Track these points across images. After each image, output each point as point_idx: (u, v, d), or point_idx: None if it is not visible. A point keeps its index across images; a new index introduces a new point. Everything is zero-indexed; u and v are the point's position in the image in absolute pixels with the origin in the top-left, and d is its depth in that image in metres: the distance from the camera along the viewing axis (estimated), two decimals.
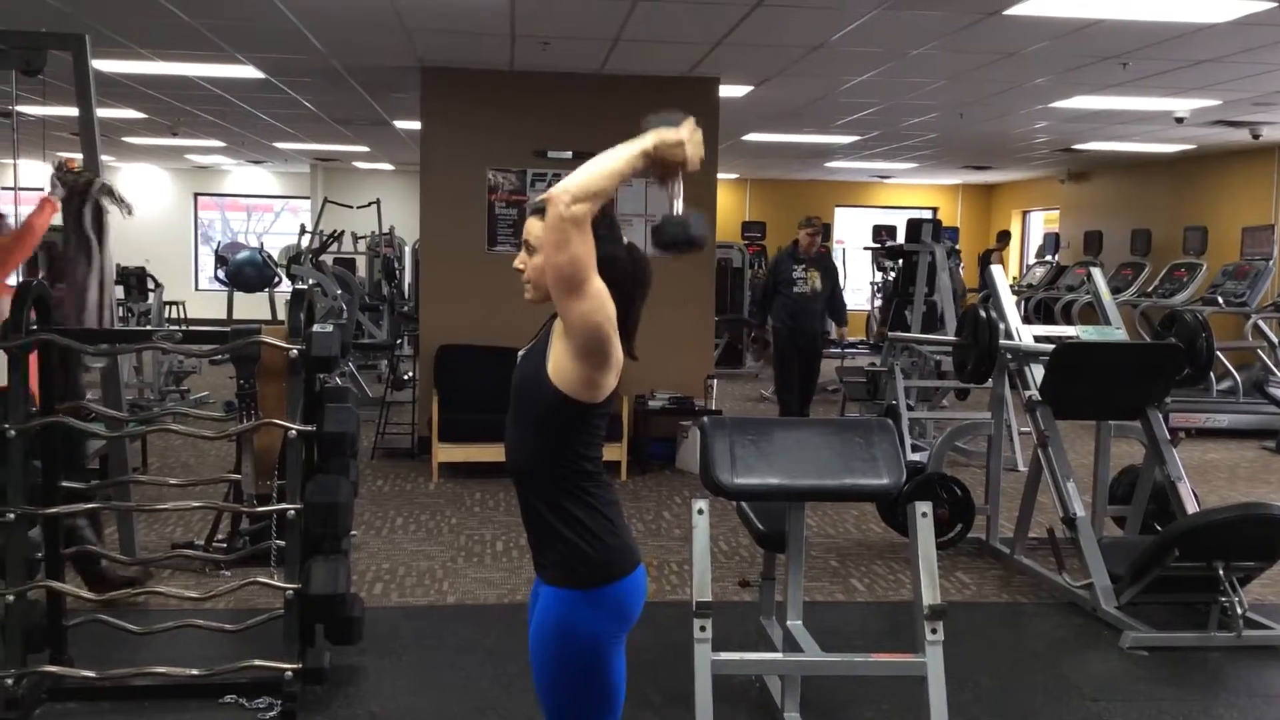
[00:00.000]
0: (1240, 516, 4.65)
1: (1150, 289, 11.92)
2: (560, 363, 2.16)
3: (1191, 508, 5.20)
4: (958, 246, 15.33)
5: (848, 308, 9.55)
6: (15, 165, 5.63)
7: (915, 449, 8.05)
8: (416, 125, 8.76)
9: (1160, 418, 5.45)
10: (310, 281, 10.28)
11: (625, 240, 2.25)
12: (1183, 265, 11.73)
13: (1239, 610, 4.54)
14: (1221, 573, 4.54)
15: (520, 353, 2.33)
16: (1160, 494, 5.52)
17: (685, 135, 2.13)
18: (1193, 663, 4.53)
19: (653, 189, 7.98)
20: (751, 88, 8.62)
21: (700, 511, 3.34)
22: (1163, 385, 5.45)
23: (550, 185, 7.59)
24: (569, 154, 8.16)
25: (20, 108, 5.69)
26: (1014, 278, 16.21)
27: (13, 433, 3.65)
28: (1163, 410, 5.48)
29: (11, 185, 6.02)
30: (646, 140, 2.12)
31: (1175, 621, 4.88)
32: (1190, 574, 4.61)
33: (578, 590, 2.21)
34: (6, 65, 5.07)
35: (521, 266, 2.25)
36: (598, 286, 2.08)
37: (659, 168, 2.15)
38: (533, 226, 2.23)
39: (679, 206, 2.18)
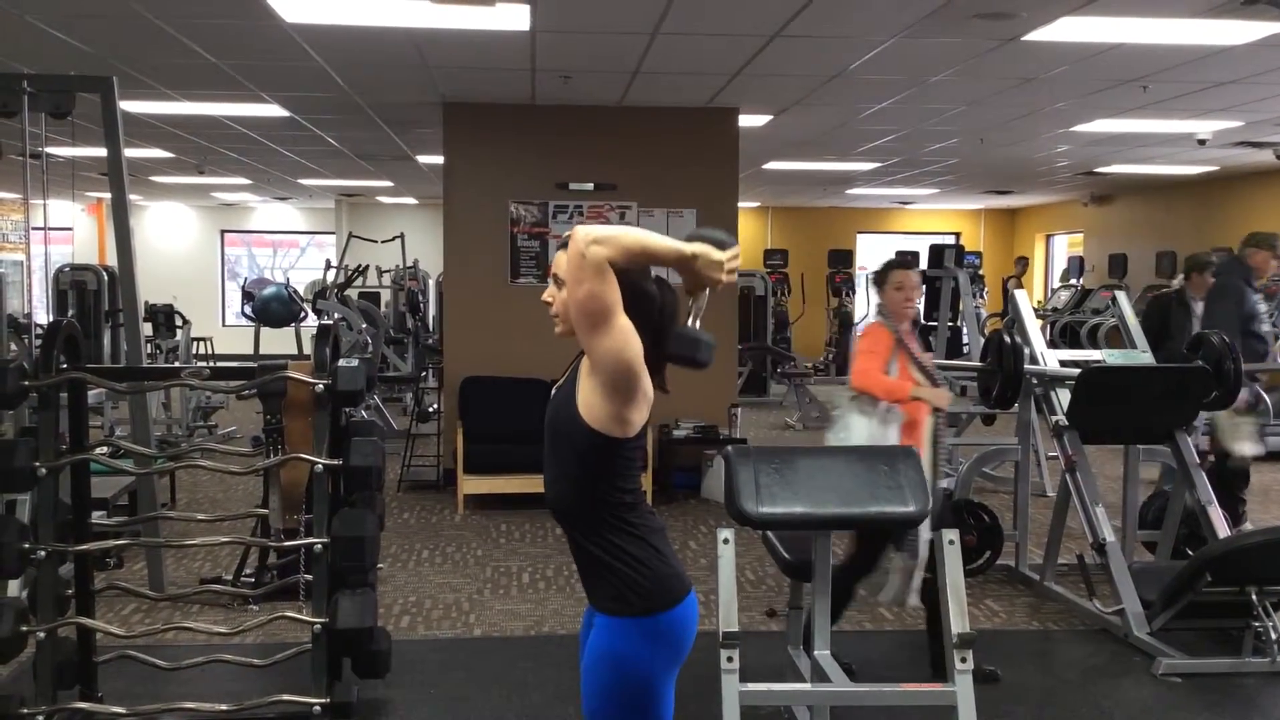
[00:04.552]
0: (1273, 540, 4.60)
1: None
2: (589, 400, 2.16)
3: (1223, 532, 5.15)
4: (981, 271, 15.34)
5: None
6: (45, 206, 5.72)
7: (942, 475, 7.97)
8: (439, 160, 8.83)
9: (1189, 441, 5.40)
10: (335, 316, 10.37)
11: (654, 275, 2.26)
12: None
13: (1273, 635, 4.49)
14: (1254, 597, 4.48)
15: (552, 390, 2.34)
16: (1191, 518, 5.47)
17: (725, 259, 2.16)
18: (1227, 689, 4.47)
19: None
20: (771, 117, 8.65)
21: (725, 541, 3.34)
22: (1191, 408, 5.41)
23: (572, 217, 7.57)
24: (590, 185, 8.21)
25: (50, 149, 5.78)
26: (1039, 302, 16.16)
27: (43, 471, 3.68)
28: (1191, 434, 5.44)
29: (41, 225, 6.11)
30: (691, 246, 2.15)
31: (1208, 647, 4.82)
32: (1223, 599, 4.55)
33: (631, 619, 2.21)
34: (36, 108, 5.16)
35: (550, 300, 2.26)
36: (622, 323, 2.08)
37: (690, 277, 2.18)
38: (560, 260, 2.23)
39: (697, 323, 2.21)
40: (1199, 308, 6.81)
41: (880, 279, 4.51)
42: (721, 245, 2.17)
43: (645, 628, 2.21)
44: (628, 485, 2.23)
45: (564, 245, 2.21)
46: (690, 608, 2.27)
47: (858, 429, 4.25)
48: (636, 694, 2.21)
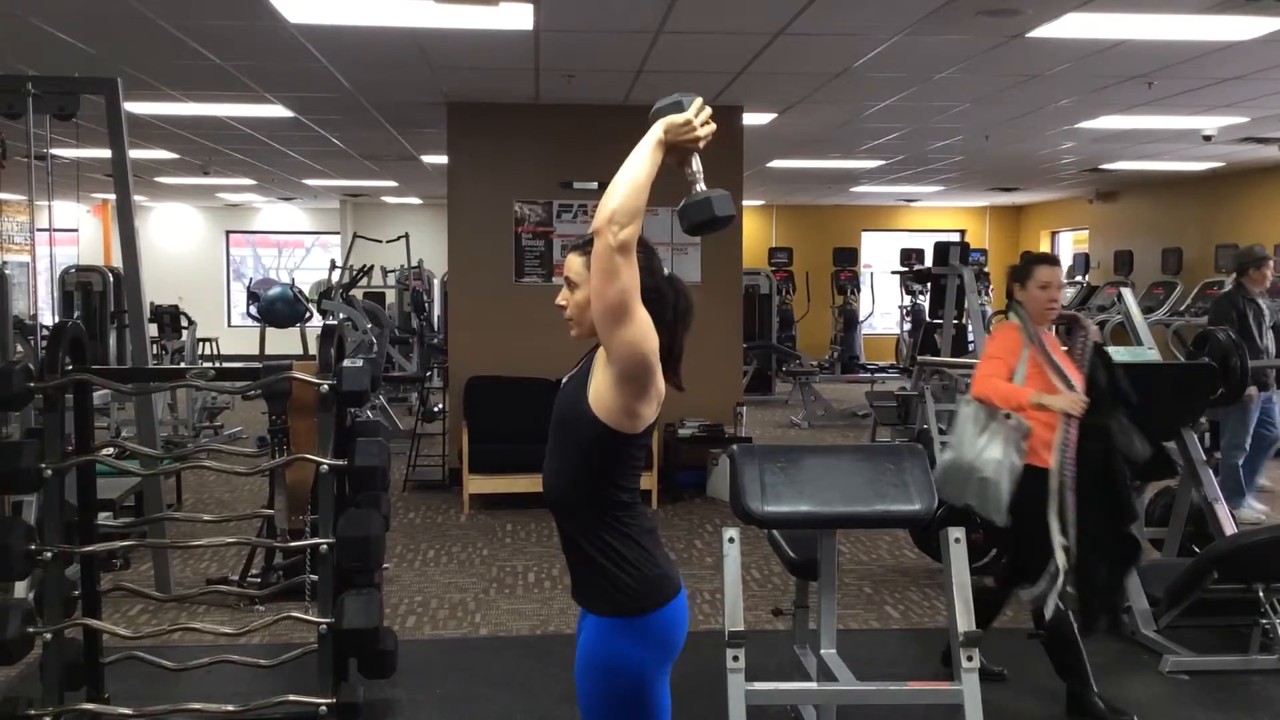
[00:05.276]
0: (1279, 538, 4.59)
1: (1182, 308, 11.80)
2: (601, 392, 2.15)
3: (1229, 529, 5.14)
4: (986, 269, 15.30)
5: (873, 332, 9.23)
6: (50, 207, 5.72)
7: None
8: (443, 159, 8.83)
9: (1195, 438, 5.39)
10: (340, 316, 10.38)
11: (667, 272, 2.25)
12: (1215, 284, 11.62)
13: None
14: (1261, 594, 4.48)
15: (562, 381, 2.33)
16: (1198, 516, 5.45)
17: (692, 116, 2.13)
18: (1235, 686, 4.46)
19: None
20: (775, 115, 8.64)
21: (731, 540, 3.34)
22: (1197, 406, 5.39)
23: (576, 216, 7.57)
24: (594, 185, 8.21)
25: (54, 151, 5.79)
26: None
27: (49, 472, 3.69)
28: (1197, 430, 5.42)
29: (46, 226, 6.12)
30: (657, 132, 2.12)
31: (1216, 645, 4.80)
32: (1230, 596, 4.55)
33: (619, 619, 2.21)
34: (41, 110, 5.16)
35: (564, 303, 2.25)
36: (643, 315, 2.08)
37: (674, 153, 2.15)
38: (573, 262, 2.23)
39: (701, 187, 2.15)
40: (1265, 303, 7.01)
41: (1023, 274, 4.13)
42: (680, 107, 2.14)
43: (635, 627, 2.21)
44: (627, 484, 2.23)
45: (577, 247, 2.21)
46: (680, 606, 2.27)
47: (967, 440, 4.02)
48: (630, 693, 2.22)
